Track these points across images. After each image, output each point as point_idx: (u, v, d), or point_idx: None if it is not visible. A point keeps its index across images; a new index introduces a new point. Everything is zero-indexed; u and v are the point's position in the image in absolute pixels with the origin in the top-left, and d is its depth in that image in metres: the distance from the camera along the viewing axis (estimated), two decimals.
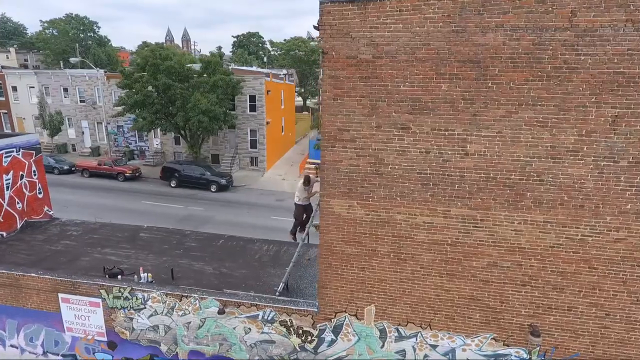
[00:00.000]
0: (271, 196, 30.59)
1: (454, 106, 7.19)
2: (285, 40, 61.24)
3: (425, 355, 8.75)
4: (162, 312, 9.84)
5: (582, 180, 7.06)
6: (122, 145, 36.81)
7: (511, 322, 8.12)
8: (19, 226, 14.17)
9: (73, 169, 32.33)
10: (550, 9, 6.50)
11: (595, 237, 7.29)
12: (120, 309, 10.04)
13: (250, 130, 34.97)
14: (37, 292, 10.44)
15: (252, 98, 33.84)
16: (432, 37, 6.94)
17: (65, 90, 36.40)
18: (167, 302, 9.71)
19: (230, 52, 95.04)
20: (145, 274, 10.78)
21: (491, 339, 8.32)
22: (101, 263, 11.91)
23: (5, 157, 13.53)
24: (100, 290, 9.99)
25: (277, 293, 10.16)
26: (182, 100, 28.50)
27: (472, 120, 7.20)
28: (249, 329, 9.48)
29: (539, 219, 7.42)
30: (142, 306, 9.88)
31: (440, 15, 6.83)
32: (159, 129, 31.38)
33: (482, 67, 6.92)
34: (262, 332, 9.43)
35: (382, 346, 8.90)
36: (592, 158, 6.93)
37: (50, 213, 15.55)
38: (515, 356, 8.29)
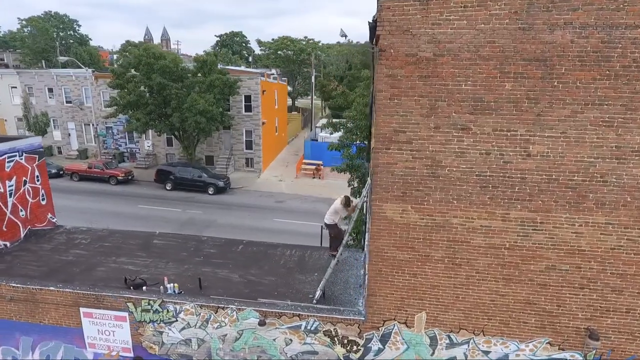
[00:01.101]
0: (270, 198, 30.04)
1: (518, 106, 6.96)
2: (273, 39, 60.58)
3: None
4: (195, 325, 9.31)
5: None
6: (112, 147, 35.55)
7: (567, 325, 7.96)
8: (22, 235, 13.31)
9: (61, 172, 30.97)
10: (621, 6, 6.33)
11: None
12: (149, 323, 9.46)
13: (246, 131, 34.28)
14: (56, 307, 9.74)
15: (248, 98, 33.17)
16: (498, 35, 6.69)
17: (50, 90, 34.88)
18: (202, 314, 9.19)
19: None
20: (172, 284, 10.20)
21: (546, 343, 8.15)
22: (119, 273, 11.26)
23: (8, 161, 12.68)
24: (127, 303, 9.39)
25: (315, 301, 9.78)
26: (178, 100, 27.64)
27: (536, 121, 6.98)
28: (290, 340, 9.06)
29: (601, 220, 7.27)
30: (174, 319, 9.32)
31: (507, 12, 6.59)
32: (150, 131, 30.36)
33: (548, 66, 6.71)
34: (304, 343, 9.02)
35: (432, 354, 8.63)
36: None
37: (54, 220, 14.70)
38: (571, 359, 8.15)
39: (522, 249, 7.66)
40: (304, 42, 61.24)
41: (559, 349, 8.13)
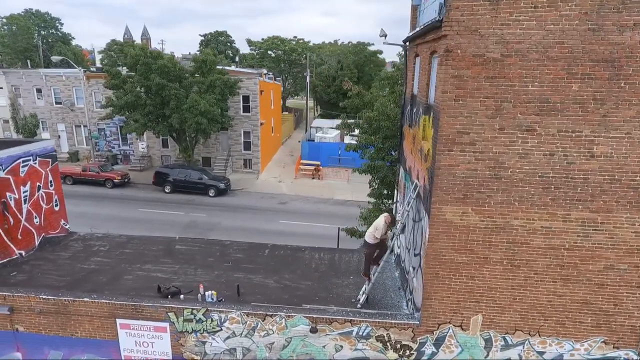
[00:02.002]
0: (272, 199, 29.68)
1: (584, 107, 6.95)
2: (263, 39, 59.96)
3: None
4: (241, 334, 9.02)
5: None
6: (104, 149, 34.48)
7: (623, 324, 8.03)
8: (37, 243, 12.69)
9: None
10: None
11: None
12: (191, 333, 9.11)
13: (244, 132, 33.77)
14: (90, 319, 9.29)
15: (246, 98, 32.67)
16: (567, 35, 6.66)
17: (39, 91, 33.53)
18: (248, 322, 8.91)
19: (198, 51, 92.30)
20: (210, 291, 9.86)
21: (601, 342, 8.20)
22: (148, 281, 10.84)
23: (23, 166, 12.06)
24: (169, 314, 9.02)
25: (359, 305, 9.62)
26: (177, 101, 26.98)
27: (601, 122, 6.99)
28: (341, 346, 8.86)
29: None
30: (218, 328, 9.01)
31: (577, 13, 6.56)
32: (145, 132, 29.51)
33: (615, 67, 6.72)
34: (355, 349, 8.85)
35: (487, 356, 8.58)
36: None
37: (67, 227, 14.08)
38: (625, 358, 8.22)
39: (581, 249, 7.67)
40: (294, 42, 60.84)
41: (613, 347, 8.19)
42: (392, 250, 10.79)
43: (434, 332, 8.53)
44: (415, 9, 10.91)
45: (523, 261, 7.85)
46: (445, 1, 6.83)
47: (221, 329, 9.01)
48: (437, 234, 7.89)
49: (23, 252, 12.09)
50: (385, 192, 15.65)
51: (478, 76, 7.00)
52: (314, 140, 41.84)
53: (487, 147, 7.32)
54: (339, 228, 18.48)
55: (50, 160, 13.17)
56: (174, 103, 26.85)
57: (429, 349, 8.68)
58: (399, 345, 8.74)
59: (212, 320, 8.96)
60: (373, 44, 53.16)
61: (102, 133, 34.00)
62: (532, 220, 7.60)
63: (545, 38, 6.71)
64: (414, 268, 9.44)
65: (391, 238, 9.82)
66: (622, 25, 6.54)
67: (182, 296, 9.80)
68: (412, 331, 8.60)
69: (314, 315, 8.74)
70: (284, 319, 8.79)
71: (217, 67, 29.20)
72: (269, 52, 59.36)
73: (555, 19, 6.62)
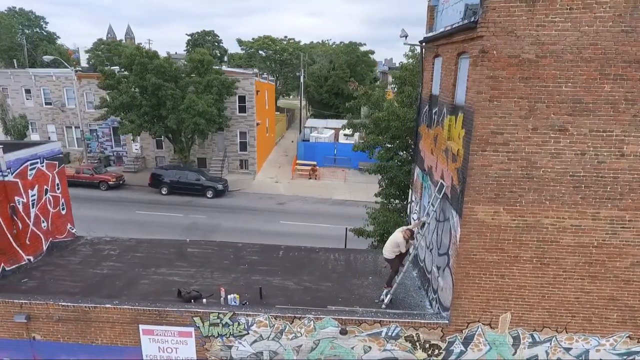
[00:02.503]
0: (271, 200, 29.50)
1: (615, 107, 7.08)
2: (253, 39, 59.53)
3: (558, 359, 8.65)
4: (268, 337, 8.92)
5: None
6: (96, 151, 33.74)
7: None
8: (45, 248, 12.33)
9: None
10: None
11: None
12: (217, 337, 8.97)
13: (240, 132, 33.47)
14: (112, 325, 9.07)
15: (242, 99, 32.37)
16: (600, 37, 6.77)
17: (28, 91, 32.58)
18: (276, 325, 8.82)
19: (185, 50, 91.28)
20: (232, 295, 9.74)
21: (626, 337, 8.37)
22: (165, 285, 10.64)
23: (30, 169, 11.70)
24: (194, 318, 8.86)
25: (384, 306, 9.63)
26: (174, 101, 26.58)
27: (632, 121, 7.13)
28: (369, 347, 8.85)
29: None
30: (245, 332, 8.90)
31: (611, 15, 6.67)
32: (140, 133, 28.93)
33: None
34: (384, 350, 8.85)
35: (514, 353, 8.68)
36: None
37: (74, 231, 13.73)
38: None
39: (609, 247, 7.82)
40: (285, 42, 60.60)
41: (638, 342, 8.37)
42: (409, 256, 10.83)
43: (463, 331, 8.59)
44: (432, 10, 10.96)
45: (552, 259, 7.96)
46: (481, 2, 6.86)
47: (248, 333, 8.90)
48: (468, 234, 7.93)
49: (32, 258, 11.73)
50: (394, 192, 15.67)
51: (513, 77, 7.06)
52: (308, 140, 41.79)
53: (519, 147, 7.39)
54: (346, 228, 18.46)
55: (57, 162, 12.80)
56: (170, 103, 26.45)
57: (457, 347, 8.73)
58: (427, 345, 8.76)
59: (239, 324, 8.84)
60: (365, 44, 53.34)
61: (94, 134, 33.28)
62: (562, 218, 7.71)
63: (579, 39, 6.80)
64: (438, 267, 9.48)
65: (414, 247, 9.81)
66: None
67: (204, 300, 9.65)
68: (442, 330, 8.64)
69: (343, 317, 8.71)
70: (312, 321, 8.73)
71: (214, 67, 28.82)
72: (260, 51, 58.97)
73: (589, 20, 6.71)
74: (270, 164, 39.43)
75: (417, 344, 8.76)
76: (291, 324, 8.79)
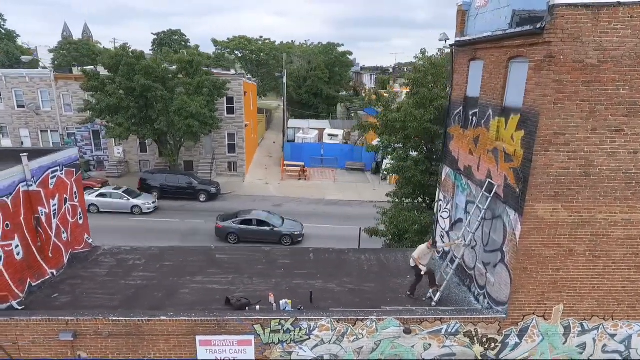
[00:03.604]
0: (265, 202, 29.14)
1: None
2: (228, 39, 58.44)
3: (604, 346, 9.19)
4: (329, 341, 8.90)
5: None
6: None
7: None
8: (65, 260, 11.66)
9: None
10: None
11: None
12: (277, 344, 8.86)
13: (228, 134, 32.82)
14: (167, 338, 8.74)
15: (230, 100, 31.75)
16: None
17: None
18: (338, 328, 8.82)
19: (150, 50, 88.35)
20: (284, 300, 9.65)
21: None
22: (208, 294, 10.38)
23: (51, 178, 11.03)
24: (254, 326, 8.71)
25: (434, 303, 9.86)
26: (164, 103, 25.72)
27: None
28: (429, 344, 9.04)
29: None
30: (306, 337, 8.84)
31: None
32: (128, 137, 27.78)
33: None
34: (443, 346, 9.06)
35: (565, 342, 9.14)
36: None
37: (90, 241, 13.05)
38: None
39: None
40: (260, 42, 59.94)
41: None
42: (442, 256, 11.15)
43: (519, 324, 8.95)
44: (463, 14, 11.28)
45: (603, 252, 8.46)
46: (549, 10, 7.18)
47: (309, 338, 8.85)
48: (528, 231, 8.28)
49: (54, 271, 11.07)
50: (410, 191, 15.98)
51: (576, 81, 7.44)
52: (293, 141, 41.64)
53: (579, 147, 7.80)
54: (360, 228, 18.61)
55: (74, 170, 12.14)
56: (160, 105, 25.57)
57: (512, 340, 9.09)
58: (485, 339, 9.07)
59: (300, 329, 8.78)
60: (342, 45, 53.78)
61: (73, 138, 31.58)
62: (614, 213, 8.21)
63: (638, 45, 7.27)
64: (486, 264, 9.81)
65: (463, 245, 10.10)
66: None
67: (257, 307, 9.49)
68: (499, 324, 8.96)
69: (405, 317, 8.84)
70: (374, 323, 8.81)
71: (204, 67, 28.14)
72: (236, 52, 58.00)
73: None
74: (256, 166, 38.95)
75: (475, 338, 9.04)
76: (353, 326, 8.82)
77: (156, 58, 27.32)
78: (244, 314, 8.81)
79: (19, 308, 9.38)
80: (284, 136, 44.42)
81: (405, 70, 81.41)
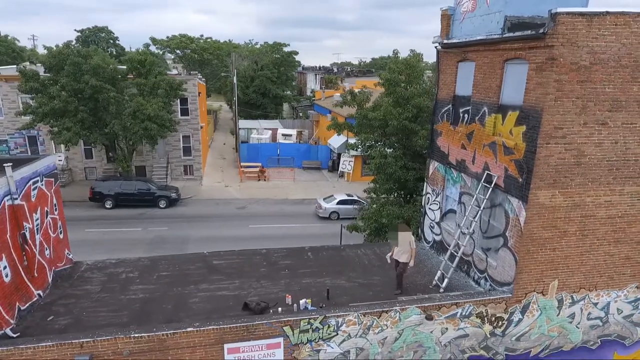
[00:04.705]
0: (229, 205, 28.44)
1: None
2: (168, 37, 55.68)
3: (589, 314, 10.43)
4: (356, 335, 9.13)
5: None
6: None
7: None
8: (50, 279, 10.63)
9: None
10: None
11: None
12: (306, 343, 8.90)
13: (183, 137, 31.44)
14: (192, 350, 8.40)
15: (184, 101, 30.45)
16: (634, 48, 8.43)
17: None
18: (364, 321, 9.08)
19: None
20: (304, 300, 9.70)
21: (635, 287, 10.46)
22: (220, 301, 10.12)
23: (33, 189, 10.00)
24: (284, 328, 8.67)
25: (442, 290, 10.50)
26: (117, 105, 24.05)
27: None
28: (446, 328, 9.62)
29: None
30: (334, 333, 8.99)
31: None
32: (77, 142, 25.58)
33: None
34: (458, 329, 9.70)
35: (558, 314, 10.23)
36: None
37: (71, 257, 11.98)
38: None
39: (628, 216, 9.71)
40: (202, 41, 57.93)
41: None
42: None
43: (522, 301, 9.86)
44: (448, 18, 12.02)
45: (590, 231, 9.61)
46: (552, 17, 8.02)
47: (337, 334, 9.01)
48: (531, 216, 9.17)
49: (41, 292, 10.06)
50: (391, 186, 16.60)
51: (572, 80, 8.40)
52: (248, 142, 40.95)
53: (573, 139, 8.80)
54: (341, 225, 18.96)
55: (53, 179, 11.09)
56: (114, 108, 23.88)
57: (516, 317, 9.98)
58: (494, 318, 9.85)
59: (329, 327, 8.90)
60: (289, 44, 53.76)
61: (5, 145, 28.31)
62: (599, 196, 9.37)
63: (620, 49, 8.38)
64: (485, 250, 10.64)
65: (461, 250, 10.75)
66: None
67: (280, 309, 9.44)
68: (505, 303, 9.79)
69: (425, 304, 9.34)
70: (398, 313, 9.19)
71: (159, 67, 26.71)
72: (177, 51, 55.50)
73: (627, 34, 8.32)
74: (211, 168, 37.76)
75: (485, 318, 9.80)
76: (378, 318, 9.14)
77: (105, 56, 25.40)
78: (273, 317, 8.74)
79: (14, 335, 8.44)
80: (236, 137, 43.51)
81: (349, 69, 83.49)
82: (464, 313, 9.59)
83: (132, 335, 8.03)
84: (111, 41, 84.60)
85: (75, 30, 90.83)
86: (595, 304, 10.41)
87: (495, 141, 10.03)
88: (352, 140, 18.76)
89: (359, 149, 17.88)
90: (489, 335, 9.99)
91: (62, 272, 11.24)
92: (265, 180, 34.80)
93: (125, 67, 26.27)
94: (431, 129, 13.24)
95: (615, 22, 8.19)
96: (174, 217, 25.38)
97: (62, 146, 26.65)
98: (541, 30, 8.25)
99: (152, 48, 55.43)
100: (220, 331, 8.41)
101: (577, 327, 10.52)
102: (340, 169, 36.21)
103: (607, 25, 8.18)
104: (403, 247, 10.45)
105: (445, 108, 12.35)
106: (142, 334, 8.07)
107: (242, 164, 36.54)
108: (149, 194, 26.10)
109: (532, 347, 10.41)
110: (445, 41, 11.88)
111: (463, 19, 11.46)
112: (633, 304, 10.62)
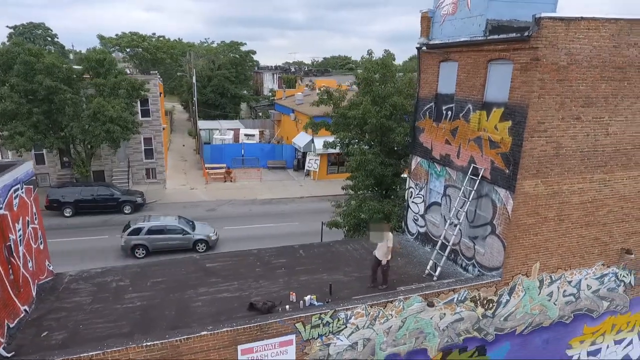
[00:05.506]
0: (197, 208, 27.70)
1: (607, 100, 9.90)
2: (117, 35, 52.76)
3: (564, 291, 11.46)
4: (363, 326, 9.43)
5: None
6: None
7: (613, 249, 11.58)
8: (34, 293, 9.95)
9: None
10: None
11: None
12: (317, 338, 9.07)
13: (145, 139, 30.12)
14: (206, 355, 8.28)
15: (145, 102, 29.17)
16: (602, 50, 9.41)
17: None
18: (371, 313, 9.40)
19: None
20: (309, 296, 9.85)
21: (601, 264, 11.64)
22: (224, 303, 10.03)
23: (14, 198, 9.33)
24: (296, 325, 8.79)
25: (435, 278, 11.09)
26: (74, 107, 22.64)
27: (614, 110, 10.07)
28: (444, 314, 10.19)
29: (636, 173, 10.98)
30: (343, 326, 9.23)
31: (608, 35, 9.35)
32: (32, 148, 23.71)
33: (624, 72, 9.83)
34: (455, 313, 10.30)
35: (539, 293, 11.15)
36: None
37: (51, 268, 11.25)
38: (613, 272, 11.86)
39: (596, 201, 10.80)
40: (154, 39, 55.58)
41: (607, 266, 11.74)
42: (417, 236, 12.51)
43: (509, 284, 10.65)
44: (428, 20, 12.63)
45: (566, 215, 10.59)
46: (536, 21, 8.76)
47: (346, 327, 9.26)
48: (518, 204, 9.94)
49: (27, 308, 9.41)
50: (371, 182, 17.09)
51: (553, 79, 9.22)
52: (210, 143, 40.00)
53: (553, 132, 9.66)
54: (322, 222, 19.18)
55: (32, 187, 10.37)
56: (71, 110, 22.46)
57: (504, 298, 10.76)
58: (485, 301, 10.56)
59: (338, 320, 9.13)
60: (246, 44, 53.03)
61: None
62: (573, 184, 10.35)
63: (591, 51, 9.32)
64: (472, 238, 11.36)
65: (451, 243, 11.38)
66: (628, 44, 9.62)
67: (287, 307, 9.52)
68: (495, 287, 10.53)
69: (426, 292, 9.83)
70: (401, 302, 9.61)
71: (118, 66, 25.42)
72: (127, 49, 52.85)
73: (597, 38, 9.27)
74: (174, 171, 36.51)
75: (478, 302, 10.48)
76: (384, 308, 9.50)
77: (58, 55, 23.78)
78: (285, 315, 8.81)
79: (8, 355, 7.88)
80: (197, 138, 42.35)
81: (307, 68, 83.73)
82: (460, 298, 10.20)
83: (144, 344, 7.79)
84: (49, 38, 78.88)
85: (7, 27, 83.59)
86: (570, 282, 11.46)
87: (480, 136, 10.74)
88: (330, 139, 19.02)
89: (338, 147, 18.21)
90: (481, 318, 10.70)
91: (44, 285, 10.55)
92: (231, 181, 34.24)
93: (80, 66, 24.74)
94: (413, 126, 13.84)
95: (588, 26, 9.10)
96: None
97: (10, 152, 24.63)
98: (526, 33, 8.99)
99: (100, 46, 52.28)
100: (234, 333, 8.37)
101: (554, 304, 11.53)
102: (306, 167, 36.44)
103: (581, 29, 9.07)
104: (381, 245, 10.80)
105: (428, 106, 12.97)
106: (155, 342, 7.85)
107: (206, 165, 35.67)
108: (113, 199, 24.82)
109: (518, 325, 11.28)
110: (429, 42, 12.48)
111: (443, 21, 12.10)
112: (599, 279, 11.81)
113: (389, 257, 10.80)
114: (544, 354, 12.00)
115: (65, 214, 24.08)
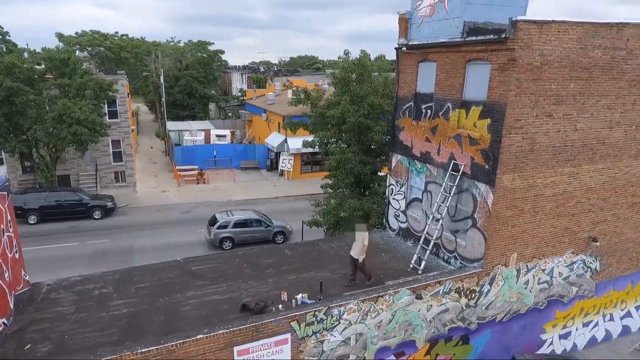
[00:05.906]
0: (171, 210, 27.01)
1: (575, 98, 10.58)
2: (77, 33, 50.29)
3: (539, 279, 12.13)
4: (356, 321, 9.62)
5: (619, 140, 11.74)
6: None
7: (581, 237, 12.37)
8: (12, 305, 9.47)
9: None
10: (623, 39, 10.62)
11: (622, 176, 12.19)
12: (311, 336, 9.18)
13: (112, 141, 29.02)
14: (202, 357, 8.20)
15: (113, 103, 28.08)
16: (571, 51, 10.05)
17: None
18: (363, 308, 9.60)
19: None
20: (301, 294, 9.94)
21: (570, 252, 12.41)
22: (214, 306, 9.96)
23: None
24: (291, 323, 8.85)
25: (420, 271, 11.46)
26: (37, 109, 21.54)
27: (581, 107, 10.77)
28: (431, 305, 10.55)
29: (600, 167, 11.78)
30: (337, 322, 9.38)
31: (576, 37, 9.99)
32: None
33: (590, 72, 10.53)
34: (441, 305, 10.69)
35: (517, 282, 11.75)
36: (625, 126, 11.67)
37: (27, 278, 10.72)
38: (581, 259, 12.67)
39: (566, 193, 11.52)
40: (117, 38, 53.52)
41: (576, 254, 12.52)
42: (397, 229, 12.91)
43: (490, 274, 11.17)
44: (406, 21, 12.98)
45: (540, 207, 11.22)
46: (512, 24, 9.24)
47: (339, 323, 9.41)
48: (497, 198, 10.45)
49: (5, 320, 8.95)
50: (351, 180, 17.31)
51: (528, 79, 9.76)
52: (180, 144, 39.07)
53: (529, 129, 10.22)
54: (302, 222, 19.22)
55: (5, 193, 9.85)
56: (34, 112, 21.36)
57: (486, 288, 11.27)
58: (468, 292, 11.02)
59: (332, 316, 9.27)
60: (214, 43, 52.08)
61: None
62: (546, 177, 10.98)
63: (562, 52, 9.93)
64: (455, 231, 11.81)
65: (435, 238, 11.79)
66: (593, 45, 10.32)
67: (280, 306, 9.55)
68: (477, 277, 11.01)
69: (414, 285, 10.15)
70: (391, 296, 9.87)
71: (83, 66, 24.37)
72: (89, 48, 50.61)
73: (567, 39, 9.89)
74: (143, 174, 35.38)
75: (462, 293, 10.92)
76: (375, 303, 9.73)
77: (20, 54, 22.53)
78: (280, 314, 8.85)
79: None
80: (166, 140, 41.26)
81: (276, 68, 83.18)
82: (445, 290, 10.60)
83: (139, 351, 7.62)
84: (0, 36, 74.26)
85: None
86: (544, 270, 12.14)
87: (460, 133, 11.19)
88: (305, 139, 19.11)
89: (317, 146, 18.33)
90: (464, 308, 11.16)
91: (21, 295, 10.07)
92: (205, 182, 33.61)
93: (42, 66, 23.56)
94: (392, 125, 14.18)
95: (559, 29, 9.69)
96: (113, 227, 23.48)
97: None
98: (503, 35, 9.47)
99: (62, 45, 49.77)
100: (230, 334, 8.33)
101: (530, 291, 12.18)
102: (280, 167, 36.31)
103: (553, 31, 9.65)
104: (357, 244, 11.02)
105: (407, 105, 13.34)
106: (150, 348, 7.70)
107: (177, 167, 34.82)
108: (81, 204, 23.79)
109: (497, 313, 11.84)
110: (409, 43, 12.82)
111: (421, 22, 12.49)
112: (569, 267, 12.58)
113: (364, 255, 10.98)
114: (522, 339, 12.65)
115: (30, 221, 22.85)
